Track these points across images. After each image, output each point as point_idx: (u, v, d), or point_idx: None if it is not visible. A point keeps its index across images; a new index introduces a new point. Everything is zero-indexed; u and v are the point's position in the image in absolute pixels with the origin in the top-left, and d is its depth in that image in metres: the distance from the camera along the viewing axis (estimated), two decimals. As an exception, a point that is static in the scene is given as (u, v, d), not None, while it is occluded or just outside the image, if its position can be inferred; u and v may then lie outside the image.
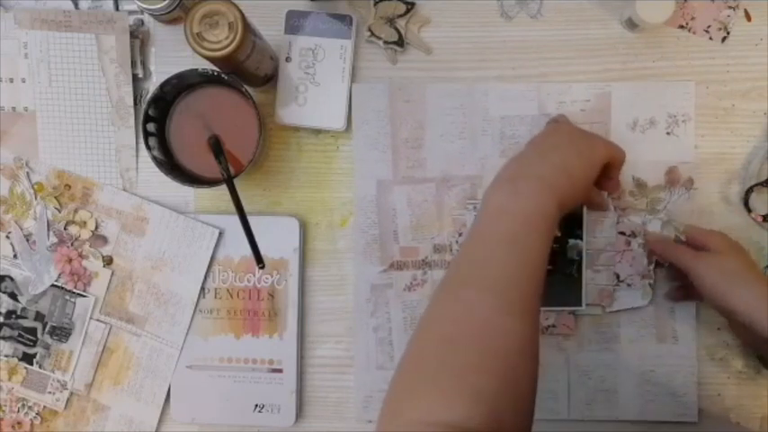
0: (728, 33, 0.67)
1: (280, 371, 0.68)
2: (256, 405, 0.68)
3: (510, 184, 0.53)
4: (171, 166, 0.64)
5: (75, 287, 0.68)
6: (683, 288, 0.65)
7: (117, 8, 0.68)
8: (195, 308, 0.68)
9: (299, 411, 0.69)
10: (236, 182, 0.60)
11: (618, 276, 0.66)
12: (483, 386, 0.43)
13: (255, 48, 0.59)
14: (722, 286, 0.57)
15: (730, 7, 0.66)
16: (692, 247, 0.63)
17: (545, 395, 0.67)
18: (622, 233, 0.66)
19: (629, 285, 0.66)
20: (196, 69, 0.61)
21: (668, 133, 0.66)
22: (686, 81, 0.66)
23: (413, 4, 0.67)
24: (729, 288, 0.57)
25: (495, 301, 0.47)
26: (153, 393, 0.68)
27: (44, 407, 0.69)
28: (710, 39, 0.67)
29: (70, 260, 0.68)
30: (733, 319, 0.60)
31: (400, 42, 0.67)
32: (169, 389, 0.68)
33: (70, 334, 0.68)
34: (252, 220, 0.60)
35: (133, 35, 0.67)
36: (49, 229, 0.68)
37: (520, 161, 0.56)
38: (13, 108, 0.68)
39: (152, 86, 0.68)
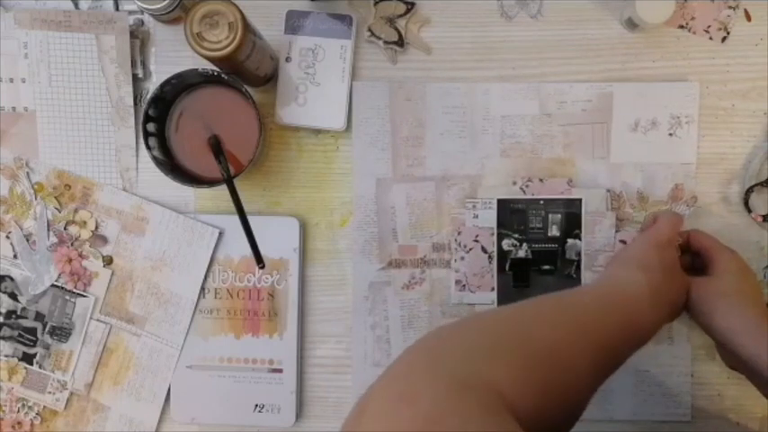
0: (728, 33, 0.67)
1: (280, 371, 0.68)
2: (256, 405, 0.68)
3: (642, 283, 0.55)
4: (171, 166, 0.64)
5: (75, 287, 0.68)
6: None
7: (117, 8, 0.68)
8: (195, 308, 0.68)
9: (299, 411, 0.69)
10: (236, 182, 0.61)
11: None
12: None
13: (255, 48, 0.59)
14: (709, 310, 0.57)
15: (730, 7, 0.66)
16: (690, 252, 0.63)
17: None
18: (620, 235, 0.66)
19: None
20: (196, 69, 0.61)
21: (671, 135, 0.66)
22: (690, 82, 0.66)
23: (413, 4, 0.67)
24: (716, 311, 0.56)
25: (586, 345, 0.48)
26: (153, 393, 0.68)
27: (44, 407, 0.69)
28: (710, 39, 0.67)
29: (70, 260, 0.68)
30: (716, 340, 0.60)
31: (400, 42, 0.67)
32: (169, 389, 0.68)
33: (70, 334, 0.68)
34: (252, 220, 0.60)
35: (133, 35, 0.67)
36: (49, 229, 0.68)
37: (656, 266, 0.57)
38: (13, 108, 0.68)
39: (152, 86, 0.68)
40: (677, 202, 0.66)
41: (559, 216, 0.66)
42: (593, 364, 0.47)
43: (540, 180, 0.66)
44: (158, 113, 0.63)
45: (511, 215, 0.66)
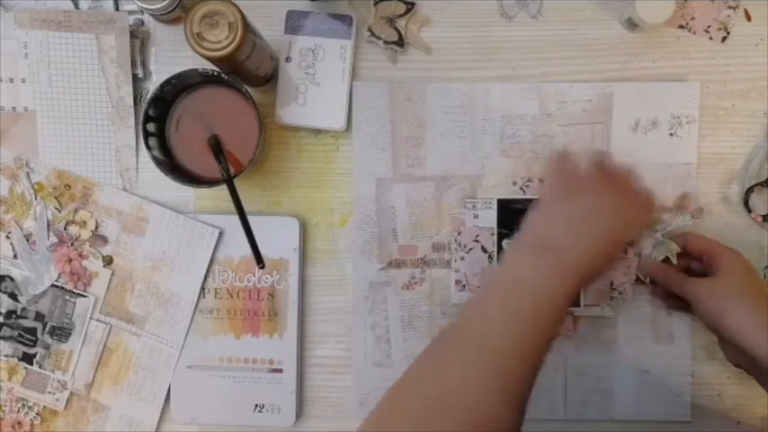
0: (728, 33, 0.67)
1: (280, 371, 0.68)
2: (256, 405, 0.68)
3: (533, 255, 0.50)
4: (171, 166, 0.64)
5: (75, 287, 0.68)
6: (676, 299, 0.64)
7: (117, 8, 0.68)
8: (195, 308, 0.68)
9: (299, 411, 0.69)
10: (236, 182, 0.61)
11: (611, 284, 0.66)
12: None
13: (255, 48, 0.59)
14: (717, 310, 0.57)
15: (730, 7, 0.66)
16: (691, 257, 0.63)
17: (542, 395, 0.67)
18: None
19: (620, 293, 0.66)
20: (196, 69, 0.61)
21: (671, 134, 0.66)
22: (690, 82, 0.66)
23: (413, 4, 0.67)
24: (725, 311, 0.56)
25: (491, 383, 0.45)
26: (153, 393, 0.68)
27: (44, 407, 0.69)
28: (710, 39, 0.67)
29: (70, 260, 0.68)
30: (723, 338, 0.60)
31: (400, 42, 0.67)
32: (169, 389, 0.68)
33: (70, 334, 0.68)
34: (252, 220, 0.60)
35: (133, 35, 0.67)
36: (49, 229, 0.68)
37: (549, 223, 0.53)
38: (13, 108, 0.68)
39: (152, 86, 0.68)
40: (683, 211, 0.66)
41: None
42: (502, 393, 0.45)
43: (540, 180, 0.66)
44: (158, 113, 0.63)
45: (511, 215, 0.66)
